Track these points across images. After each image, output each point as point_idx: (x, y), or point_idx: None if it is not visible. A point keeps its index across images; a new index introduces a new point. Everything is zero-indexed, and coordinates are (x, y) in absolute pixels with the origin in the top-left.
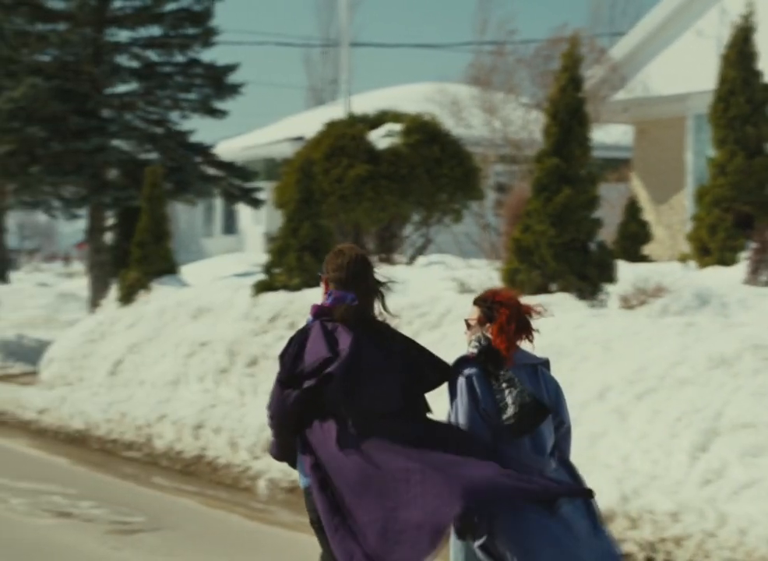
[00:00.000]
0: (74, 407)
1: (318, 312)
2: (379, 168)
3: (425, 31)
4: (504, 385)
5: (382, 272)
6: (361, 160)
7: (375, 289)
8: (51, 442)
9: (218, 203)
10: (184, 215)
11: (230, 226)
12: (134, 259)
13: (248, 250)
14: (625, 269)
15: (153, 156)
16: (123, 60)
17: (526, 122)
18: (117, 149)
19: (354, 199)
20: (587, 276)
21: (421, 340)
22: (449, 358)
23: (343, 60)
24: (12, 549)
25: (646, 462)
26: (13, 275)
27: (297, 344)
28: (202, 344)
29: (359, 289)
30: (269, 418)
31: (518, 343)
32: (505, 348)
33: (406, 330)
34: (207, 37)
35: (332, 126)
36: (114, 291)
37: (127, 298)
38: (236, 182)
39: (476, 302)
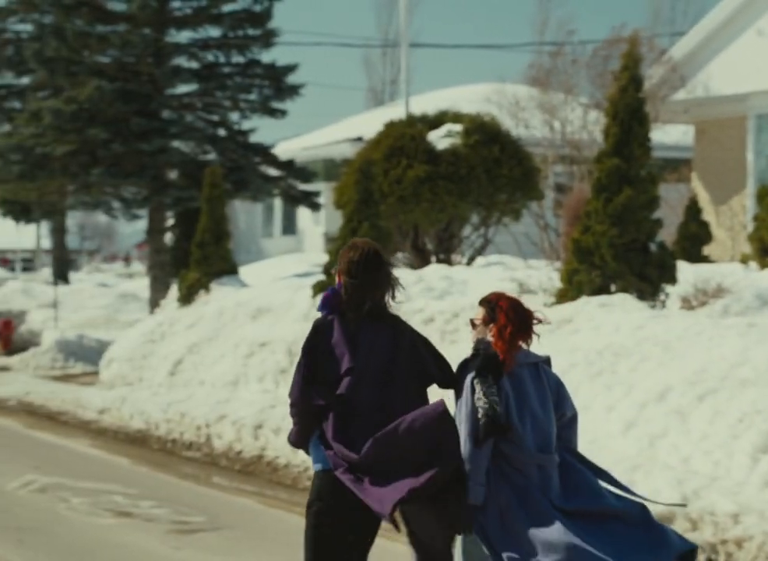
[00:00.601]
0: (134, 407)
1: (329, 303)
2: (438, 169)
3: (484, 32)
4: (483, 391)
5: (394, 268)
6: (420, 161)
7: (386, 282)
8: (111, 442)
9: (277, 204)
10: (243, 215)
11: (289, 226)
12: (194, 259)
13: (307, 250)
14: (685, 269)
15: (212, 156)
16: (183, 61)
17: (586, 123)
18: (178, 150)
19: (413, 199)
20: (647, 276)
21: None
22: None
23: (402, 61)
24: (73, 549)
25: (707, 463)
26: (74, 276)
27: (321, 342)
28: (262, 345)
29: (369, 282)
30: (291, 406)
31: (520, 344)
32: (503, 350)
33: (465, 331)
34: (267, 37)
35: (391, 127)
36: (173, 292)
37: (187, 298)
38: (295, 183)
39: (481, 303)
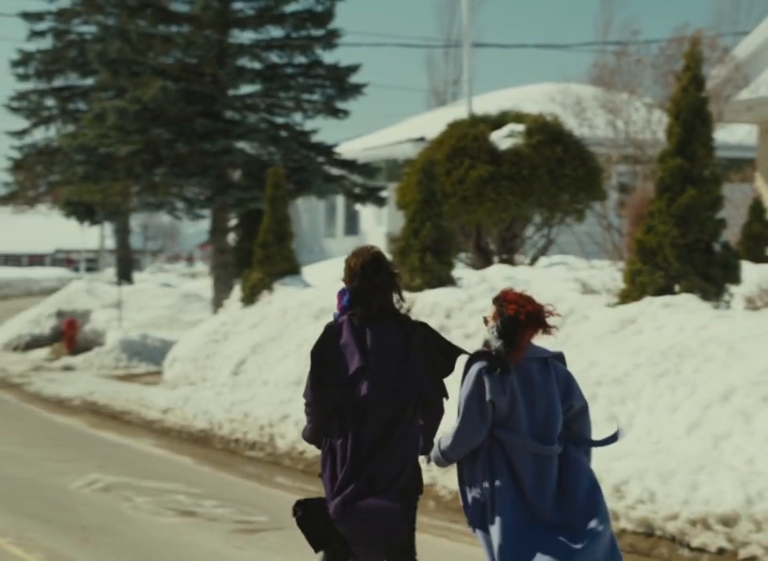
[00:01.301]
0: (197, 406)
1: (343, 308)
2: (501, 169)
3: (547, 31)
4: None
5: (393, 267)
6: (483, 161)
7: (389, 284)
8: (174, 441)
9: (340, 204)
10: (306, 216)
11: (352, 227)
12: (257, 259)
13: None
14: (749, 270)
15: (275, 157)
16: (246, 62)
17: (649, 122)
18: (241, 150)
19: (476, 199)
20: (711, 277)
21: (543, 342)
22: (578, 360)
23: (465, 61)
24: (136, 548)
25: None
26: (137, 276)
27: (331, 345)
28: None
29: (371, 285)
30: (306, 406)
31: (532, 338)
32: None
33: None
34: (329, 38)
35: (454, 127)
36: (237, 292)
37: (250, 298)
38: (359, 181)
39: (493, 301)
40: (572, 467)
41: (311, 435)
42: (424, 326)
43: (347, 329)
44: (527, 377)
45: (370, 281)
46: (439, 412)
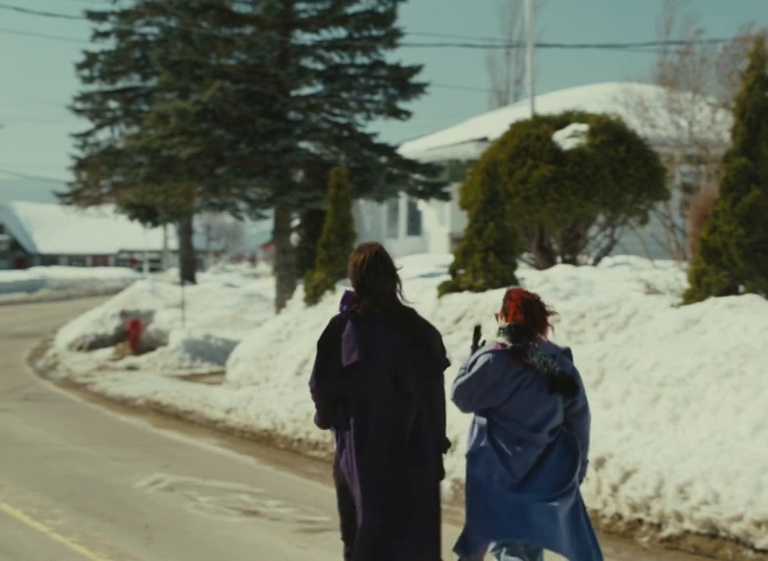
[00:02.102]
0: (260, 406)
1: (349, 301)
2: (564, 169)
3: (609, 31)
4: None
5: (395, 264)
6: (545, 161)
7: (391, 281)
8: (237, 441)
9: (402, 204)
10: (368, 216)
11: (414, 227)
12: (320, 259)
13: (432, 251)
14: None
15: (337, 157)
16: (308, 62)
17: (713, 122)
18: (303, 150)
19: (539, 199)
20: None
21: (607, 342)
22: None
23: (527, 61)
24: (200, 547)
25: None
26: (200, 276)
27: (335, 336)
28: None
29: (374, 282)
30: (311, 393)
31: (536, 334)
32: None
33: (591, 332)
34: (391, 38)
35: (516, 127)
36: (299, 292)
37: (312, 298)
38: (422, 179)
39: (503, 299)
40: (555, 457)
41: (320, 421)
42: (425, 322)
43: (350, 322)
44: (525, 370)
45: (372, 277)
46: (442, 404)
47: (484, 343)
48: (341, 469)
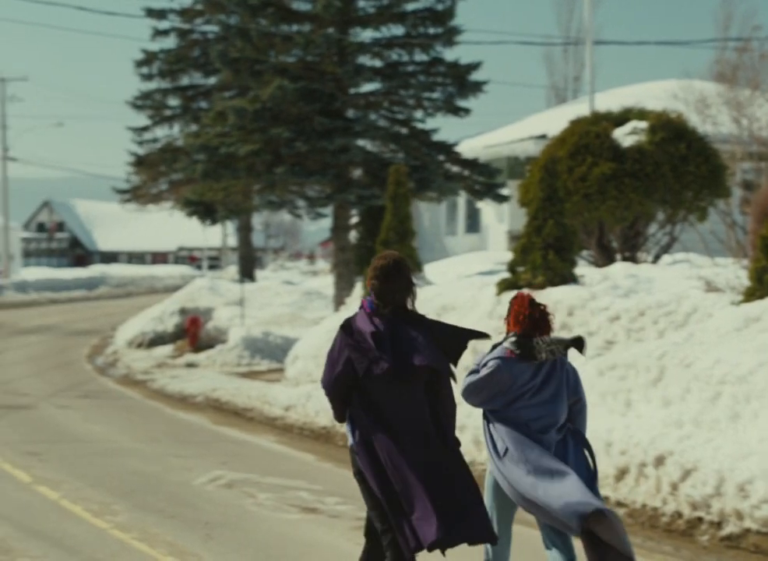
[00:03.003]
0: (319, 403)
1: (366, 305)
2: (624, 166)
3: (668, 28)
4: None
5: (414, 275)
6: (605, 158)
7: (407, 287)
8: (296, 438)
9: (461, 202)
10: (427, 214)
11: (473, 224)
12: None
13: (491, 248)
14: None
15: (396, 155)
16: (366, 60)
17: None
18: (361, 148)
19: (598, 197)
20: None
21: (667, 340)
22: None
23: (587, 58)
24: (260, 544)
25: None
26: (259, 273)
27: (349, 333)
28: None
29: (392, 286)
30: (324, 389)
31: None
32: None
33: (651, 329)
34: (449, 36)
35: (576, 124)
36: (358, 289)
37: None
38: (479, 179)
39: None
40: (573, 454)
41: (337, 417)
42: (431, 320)
43: (362, 319)
44: (538, 372)
45: (389, 282)
46: (450, 392)
47: (500, 343)
48: (358, 462)
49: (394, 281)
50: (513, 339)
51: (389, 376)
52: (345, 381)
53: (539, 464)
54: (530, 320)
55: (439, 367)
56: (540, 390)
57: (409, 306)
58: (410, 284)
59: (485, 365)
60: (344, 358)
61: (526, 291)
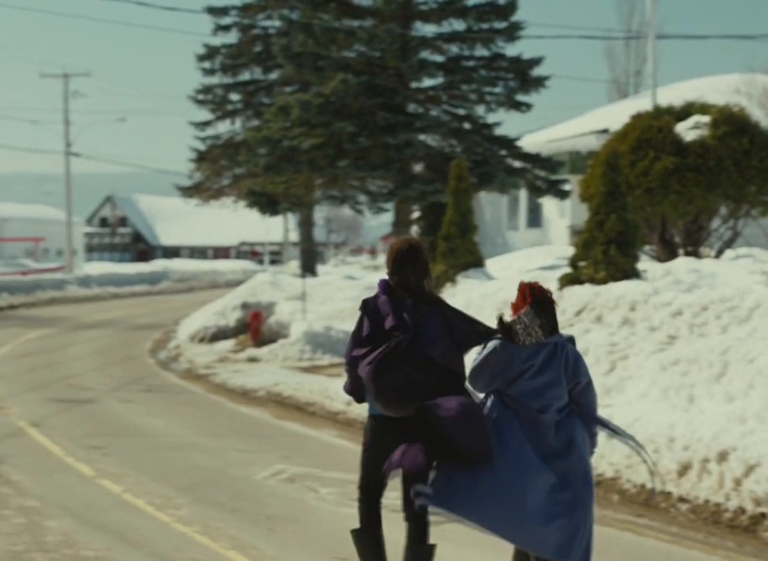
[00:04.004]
0: None
1: (384, 287)
2: (686, 161)
3: (732, 21)
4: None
5: (427, 257)
6: (667, 153)
7: (423, 270)
8: (358, 432)
9: (523, 197)
10: (489, 208)
11: (534, 219)
12: (440, 252)
13: (552, 243)
14: None
15: (457, 149)
16: (427, 54)
17: None
18: (423, 143)
19: (661, 191)
20: None
21: (730, 335)
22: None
23: (649, 53)
24: (322, 538)
25: None
26: (321, 268)
27: (369, 311)
28: None
29: (409, 271)
30: (346, 364)
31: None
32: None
33: (714, 324)
34: (511, 31)
35: (638, 118)
36: None
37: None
38: (541, 174)
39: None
40: (576, 433)
41: (350, 389)
42: (450, 308)
43: (382, 300)
44: (534, 357)
45: (407, 266)
46: (461, 368)
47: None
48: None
49: (411, 264)
50: (497, 323)
51: (404, 357)
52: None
53: (517, 454)
54: (530, 307)
55: (449, 362)
56: (539, 372)
57: (426, 288)
58: (426, 266)
59: (485, 347)
60: (365, 335)
61: (588, 284)
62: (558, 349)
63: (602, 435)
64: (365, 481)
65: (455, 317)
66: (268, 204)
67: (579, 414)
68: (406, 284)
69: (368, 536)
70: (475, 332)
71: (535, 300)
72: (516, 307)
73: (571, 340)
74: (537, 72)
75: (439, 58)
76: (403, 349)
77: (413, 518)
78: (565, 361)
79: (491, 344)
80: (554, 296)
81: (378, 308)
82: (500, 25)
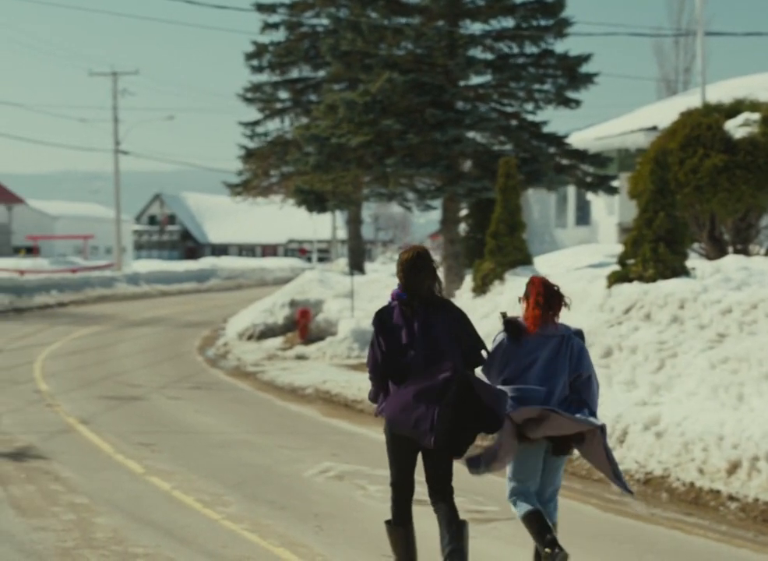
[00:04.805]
0: None
1: (397, 297)
2: (736, 158)
3: None
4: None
5: (435, 263)
6: (717, 150)
7: (431, 277)
8: None
9: (571, 194)
10: (537, 206)
11: (582, 217)
12: (488, 249)
13: (600, 241)
14: None
15: (506, 147)
16: (476, 52)
17: None
18: (471, 140)
19: (710, 189)
20: None
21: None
22: None
23: (698, 50)
24: (370, 536)
25: None
26: (369, 266)
27: (386, 321)
28: None
29: (420, 278)
30: (370, 373)
31: (552, 317)
32: (528, 318)
33: (763, 322)
34: (560, 28)
35: (687, 116)
36: (468, 282)
37: (481, 288)
38: (590, 171)
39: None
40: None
41: (374, 397)
42: (459, 311)
43: (398, 312)
44: (537, 349)
45: (416, 273)
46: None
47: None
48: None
49: (420, 271)
50: (504, 320)
51: (417, 365)
52: (385, 364)
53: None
54: (537, 302)
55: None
56: (546, 364)
57: (436, 292)
58: (434, 272)
59: (493, 342)
60: (381, 346)
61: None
62: (564, 341)
63: (650, 433)
64: (394, 478)
65: (462, 322)
66: (316, 202)
67: (579, 401)
68: (418, 290)
69: (400, 532)
70: (475, 340)
71: (544, 292)
72: (527, 299)
73: (579, 333)
74: (585, 69)
75: (488, 56)
76: (417, 365)
77: (443, 499)
78: (570, 354)
79: (498, 338)
80: (603, 294)
81: (392, 322)
82: (548, 22)
